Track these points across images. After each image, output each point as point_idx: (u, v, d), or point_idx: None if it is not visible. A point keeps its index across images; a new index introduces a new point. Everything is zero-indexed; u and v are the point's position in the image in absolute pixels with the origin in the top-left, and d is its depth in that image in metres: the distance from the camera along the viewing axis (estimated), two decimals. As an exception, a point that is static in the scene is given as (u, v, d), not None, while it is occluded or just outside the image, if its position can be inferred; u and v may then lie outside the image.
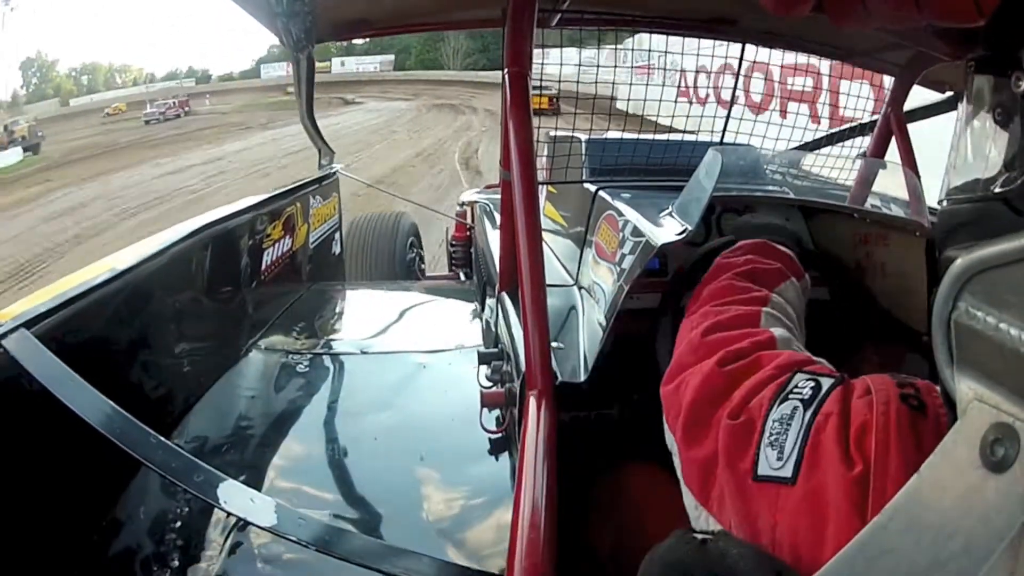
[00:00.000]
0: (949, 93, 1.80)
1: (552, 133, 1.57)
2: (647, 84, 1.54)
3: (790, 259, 0.81)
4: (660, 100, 1.53)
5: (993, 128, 0.36)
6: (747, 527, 0.46)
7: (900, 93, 1.73)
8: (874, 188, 1.28)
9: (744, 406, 0.52)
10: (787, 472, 0.45)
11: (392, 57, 39.18)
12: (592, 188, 1.38)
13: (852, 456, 0.42)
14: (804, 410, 0.48)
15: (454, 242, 3.46)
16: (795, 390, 0.50)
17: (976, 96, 0.38)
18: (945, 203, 0.42)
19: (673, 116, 1.61)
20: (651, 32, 1.62)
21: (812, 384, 0.50)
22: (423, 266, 3.55)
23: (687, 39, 1.70)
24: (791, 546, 0.43)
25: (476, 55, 35.26)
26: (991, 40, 0.37)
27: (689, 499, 0.55)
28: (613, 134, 1.62)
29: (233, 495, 0.89)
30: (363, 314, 2.33)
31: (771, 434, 0.48)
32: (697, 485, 0.54)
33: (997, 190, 0.35)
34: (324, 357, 1.78)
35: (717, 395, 0.55)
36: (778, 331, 0.62)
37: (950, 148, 0.42)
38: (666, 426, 0.62)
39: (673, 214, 1.08)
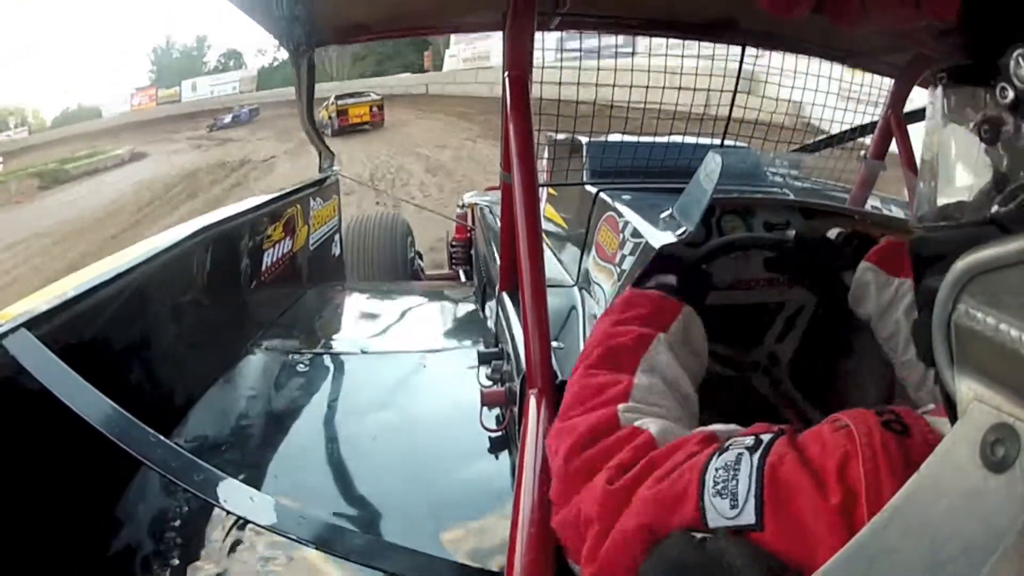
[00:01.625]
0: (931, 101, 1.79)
1: (553, 135, 1.58)
2: (648, 86, 1.54)
3: (657, 302, 0.75)
4: (660, 102, 1.54)
5: (979, 146, 0.34)
6: None
7: (900, 95, 1.73)
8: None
9: (664, 478, 0.47)
10: (749, 518, 0.41)
11: (254, 73, 30.63)
12: (593, 190, 1.39)
13: (828, 486, 0.40)
14: (751, 453, 0.44)
15: (454, 243, 3.47)
16: (734, 444, 0.46)
17: (954, 111, 0.36)
18: (921, 229, 0.39)
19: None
20: (650, 35, 1.63)
21: (752, 437, 0.47)
22: (421, 263, 3.56)
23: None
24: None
25: (367, 56, 28.52)
26: (968, 47, 0.35)
27: None
28: (614, 136, 1.62)
29: (233, 494, 0.89)
30: (363, 314, 2.33)
31: (716, 483, 0.44)
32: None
33: (988, 214, 0.33)
34: (324, 357, 1.78)
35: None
36: (652, 426, 0.55)
37: (921, 169, 0.40)
38: (571, 563, 0.56)
39: (673, 215, 1.08)
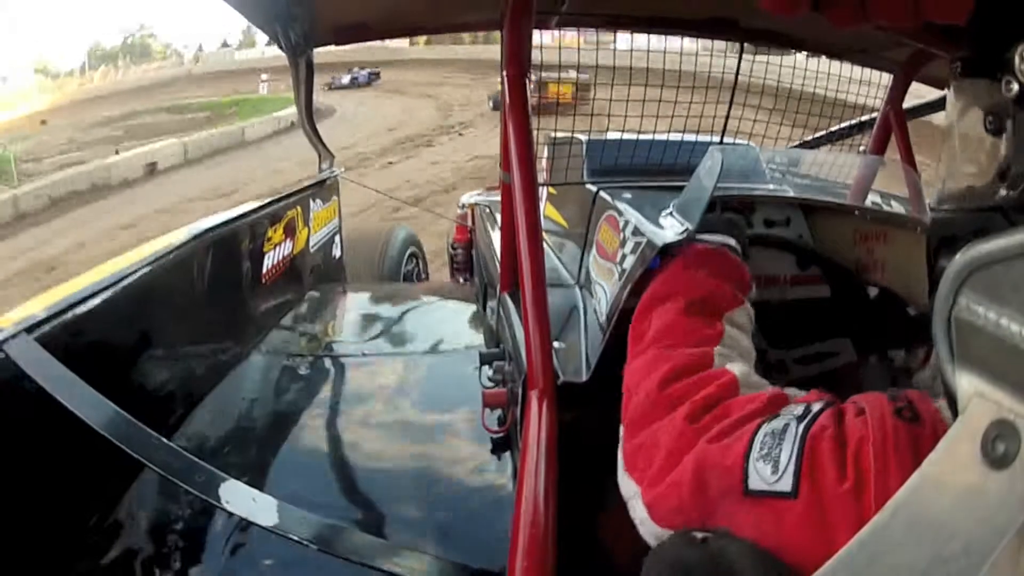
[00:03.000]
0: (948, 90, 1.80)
1: (552, 134, 1.57)
2: (646, 84, 1.54)
3: (741, 272, 0.78)
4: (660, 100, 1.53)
5: (984, 136, 0.35)
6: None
7: (899, 90, 1.73)
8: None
9: (725, 433, 0.50)
10: (786, 486, 0.43)
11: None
12: (593, 188, 1.38)
13: (847, 470, 0.42)
14: (797, 424, 0.46)
15: (455, 244, 3.45)
16: (785, 411, 0.49)
17: (964, 101, 0.37)
18: (940, 212, 0.41)
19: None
20: (650, 33, 1.62)
21: (803, 406, 0.49)
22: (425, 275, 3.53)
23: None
24: (798, 556, 0.42)
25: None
26: (976, 41, 0.35)
27: (660, 531, 0.52)
28: (613, 134, 1.62)
29: (235, 495, 0.89)
30: (364, 316, 2.33)
31: (762, 448, 0.46)
32: (670, 515, 0.51)
33: (993, 201, 0.34)
34: (325, 359, 1.78)
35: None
36: (738, 369, 0.59)
37: (940, 154, 0.42)
38: (625, 476, 0.59)
39: (674, 213, 1.08)
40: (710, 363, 0.61)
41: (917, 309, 1.00)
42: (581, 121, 1.58)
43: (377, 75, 20.32)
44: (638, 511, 0.55)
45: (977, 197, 0.36)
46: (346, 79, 19.75)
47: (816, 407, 0.48)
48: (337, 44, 1.74)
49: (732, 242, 0.85)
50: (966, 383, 0.31)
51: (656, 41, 1.58)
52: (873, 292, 1.04)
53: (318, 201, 2.38)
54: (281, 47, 1.74)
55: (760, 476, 0.45)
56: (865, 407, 0.45)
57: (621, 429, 0.63)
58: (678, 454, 0.52)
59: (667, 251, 1.00)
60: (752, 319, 0.74)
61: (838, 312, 1.11)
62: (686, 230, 0.96)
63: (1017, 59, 0.31)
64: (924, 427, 0.41)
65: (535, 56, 1.22)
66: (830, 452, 0.43)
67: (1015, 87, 0.32)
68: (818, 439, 0.44)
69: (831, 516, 0.41)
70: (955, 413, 0.32)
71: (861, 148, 1.95)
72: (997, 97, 0.34)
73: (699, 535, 0.44)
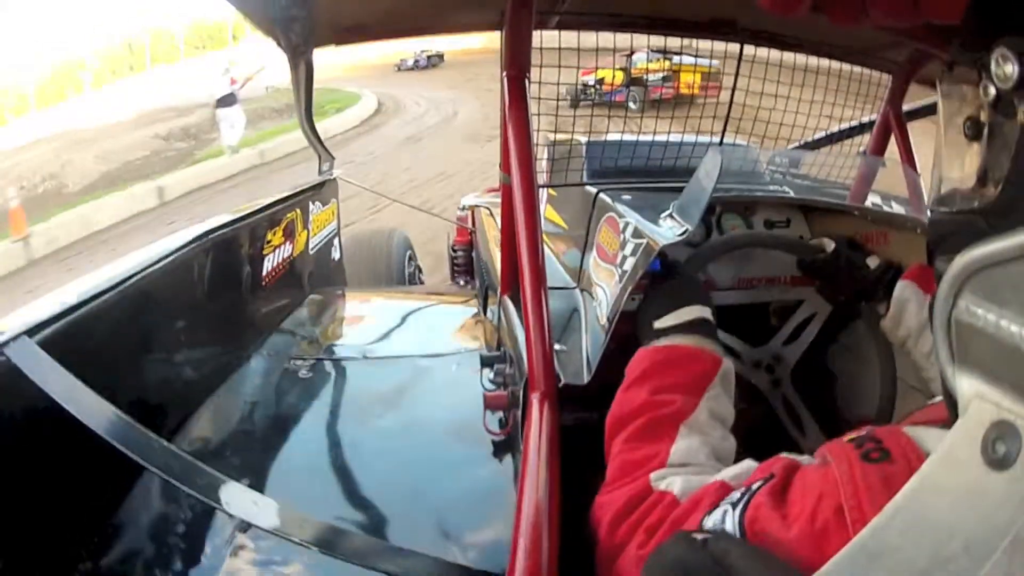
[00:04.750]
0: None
1: (551, 136, 1.57)
2: (646, 83, 1.54)
3: (698, 359, 0.77)
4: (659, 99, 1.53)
5: (963, 140, 0.35)
6: None
7: (899, 91, 1.73)
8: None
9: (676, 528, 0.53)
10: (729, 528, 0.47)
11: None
12: (592, 190, 1.38)
13: (793, 522, 0.43)
14: (734, 509, 0.49)
15: (455, 247, 3.45)
16: (723, 501, 0.52)
17: (949, 105, 0.37)
18: (932, 213, 0.41)
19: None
20: (650, 34, 1.63)
21: (742, 491, 0.51)
22: (422, 277, 3.54)
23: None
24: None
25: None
26: (961, 46, 0.35)
27: None
28: (613, 136, 1.62)
29: (236, 497, 0.89)
30: (364, 319, 2.33)
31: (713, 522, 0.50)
32: None
33: (974, 205, 0.35)
34: (326, 362, 1.78)
35: None
36: (676, 487, 0.61)
37: (934, 155, 0.42)
38: None
39: (673, 215, 1.08)
40: (647, 491, 0.63)
41: (877, 260, 1.00)
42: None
43: (440, 57, 21.90)
44: None
45: (961, 200, 0.37)
46: (410, 63, 21.88)
47: (756, 486, 0.50)
48: (337, 45, 1.74)
49: (706, 314, 0.84)
50: (966, 385, 0.31)
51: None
52: (830, 247, 1.04)
53: (317, 203, 2.38)
54: (281, 48, 1.75)
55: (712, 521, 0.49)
56: (830, 458, 0.46)
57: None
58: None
59: (670, 262, 1.00)
60: (722, 395, 0.76)
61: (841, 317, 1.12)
62: (685, 231, 0.97)
63: (993, 63, 0.31)
64: (896, 464, 0.42)
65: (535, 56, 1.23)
66: (769, 519, 0.45)
67: (992, 91, 0.32)
68: (755, 517, 0.47)
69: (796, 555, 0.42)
70: (955, 415, 0.32)
71: (861, 149, 1.95)
72: (975, 102, 0.34)
73: (699, 537, 0.44)
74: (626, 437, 0.72)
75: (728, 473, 0.58)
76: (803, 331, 1.11)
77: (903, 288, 0.93)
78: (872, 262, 1.01)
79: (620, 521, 0.62)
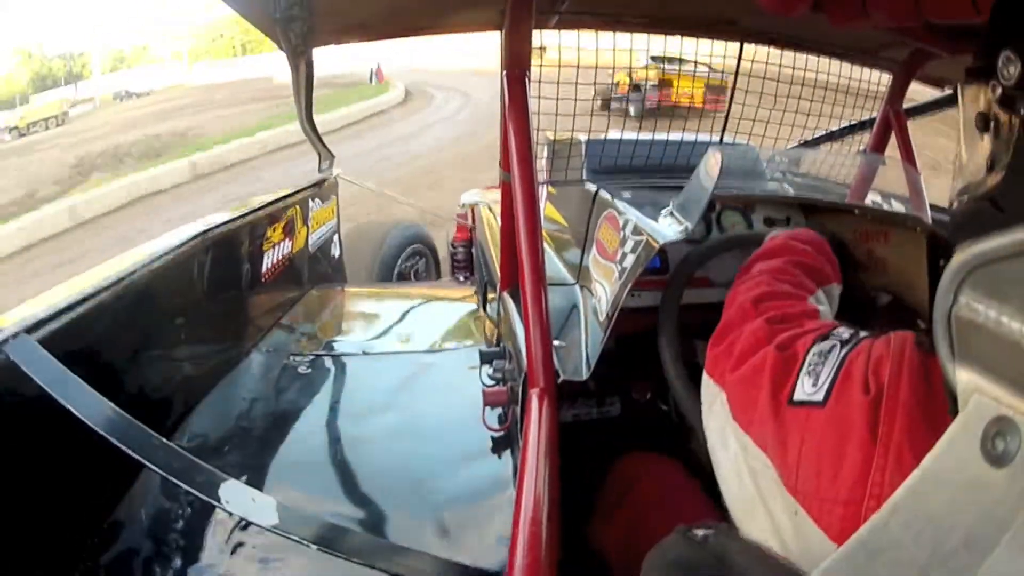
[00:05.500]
0: (949, 90, 1.80)
1: (550, 135, 1.57)
2: (646, 83, 1.54)
3: (836, 264, 0.86)
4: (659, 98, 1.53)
5: (976, 133, 0.38)
6: (778, 447, 0.51)
7: (899, 90, 1.73)
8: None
9: (792, 343, 0.57)
10: (819, 397, 0.50)
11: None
12: (592, 187, 1.38)
13: (869, 383, 0.47)
14: (841, 348, 0.53)
15: (455, 243, 3.45)
16: (835, 333, 0.56)
17: (965, 103, 0.40)
18: (954, 204, 0.43)
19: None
20: (649, 33, 1.62)
21: (851, 331, 0.55)
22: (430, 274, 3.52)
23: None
24: (814, 461, 0.47)
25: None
26: (977, 50, 0.38)
27: (735, 428, 0.59)
28: (613, 134, 1.62)
29: (235, 495, 0.89)
30: (364, 315, 2.33)
31: (810, 364, 0.53)
32: (740, 409, 0.58)
33: (984, 191, 0.36)
34: (325, 358, 1.78)
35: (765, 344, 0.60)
36: (823, 309, 0.69)
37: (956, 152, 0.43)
38: (708, 380, 0.66)
39: (673, 212, 1.08)
40: (804, 301, 0.71)
41: (926, 323, 1.00)
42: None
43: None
44: (716, 409, 0.62)
45: (973, 189, 0.39)
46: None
47: (862, 334, 0.54)
48: (337, 44, 1.74)
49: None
50: (966, 380, 0.31)
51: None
52: (884, 299, 1.05)
53: (317, 200, 2.38)
54: (281, 48, 1.74)
55: (803, 389, 0.52)
56: (893, 337, 0.50)
57: (708, 342, 0.69)
58: (755, 348, 0.60)
59: (666, 250, 1.00)
60: (836, 302, 0.82)
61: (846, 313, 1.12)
62: (685, 229, 0.97)
63: (1000, 64, 0.34)
64: (937, 360, 0.44)
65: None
66: (860, 371, 0.49)
67: (999, 90, 0.35)
68: (854, 360, 0.50)
69: (850, 421, 0.46)
70: (955, 410, 0.32)
71: (861, 148, 1.95)
72: (984, 100, 0.37)
73: (700, 533, 0.44)
74: (792, 260, 0.80)
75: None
76: None
77: None
78: (883, 298, 1.03)
79: (769, 299, 0.68)
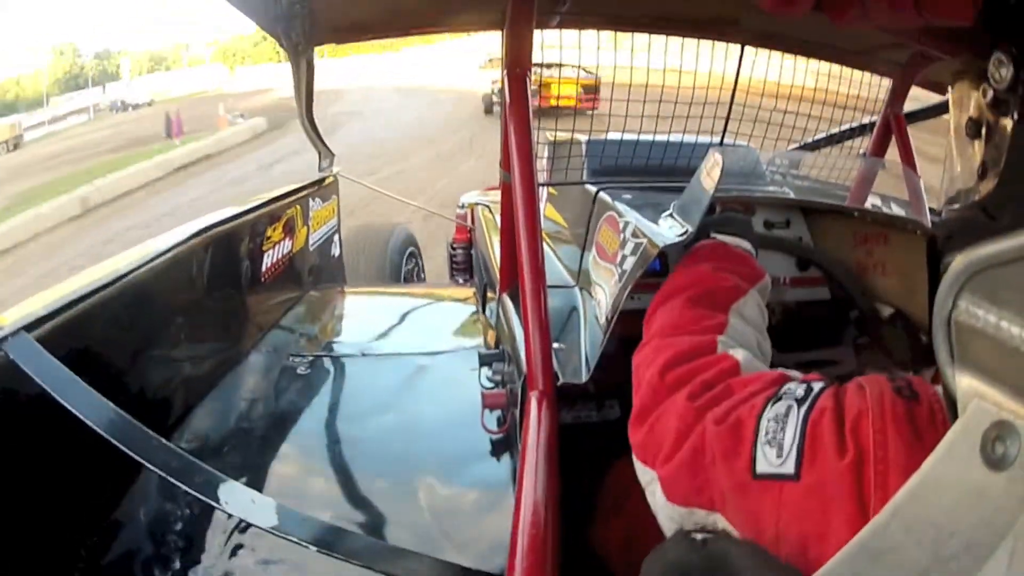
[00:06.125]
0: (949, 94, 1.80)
1: (551, 135, 1.57)
2: (647, 83, 1.54)
3: (748, 262, 0.81)
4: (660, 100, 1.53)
5: (967, 140, 0.37)
6: (750, 523, 0.47)
7: (899, 93, 1.73)
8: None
9: (729, 413, 0.52)
10: (789, 468, 0.45)
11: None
12: (592, 189, 1.38)
13: (846, 444, 0.43)
14: (799, 407, 0.48)
15: (454, 244, 3.44)
16: (787, 393, 0.51)
17: (956, 109, 0.39)
18: (944, 212, 0.43)
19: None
20: (650, 32, 1.62)
21: (804, 387, 0.51)
22: (423, 276, 3.54)
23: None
24: (797, 539, 0.43)
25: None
26: (969, 53, 0.38)
27: (674, 510, 0.54)
28: (613, 135, 1.62)
29: (234, 496, 0.89)
30: (364, 316, 2.33)
31: (767, 433, 0.48)
32: (684, 492, 0.53)
33: (976, 198, 0.36)
34: (325, 359, 1.78)
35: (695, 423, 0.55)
36: (740, 355, 0.61)
37: (945, 158, 0.43)
38: (640, 465, 0.61)
39: (674, 215, 1.08)
40: (712, 349, 0.63)
41: (926, 334, 1.01)
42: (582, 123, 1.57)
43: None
44: (656, 495, 0.56)
45: (964, 197, 0.38)
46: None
47: (817, 387, 0.50)
48: (338, 43, 1.74)
49: (746, 244, 0.88)
50: (966, 385, 0.31)
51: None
52: (887, 312, 1.04)
53: (317, 200, 2.38)
54: (282, 46, 1.74)
55: (767, 460, 0.47)
56: (865, 384, 0.46)
57: (629, 422, 0.64)
58: (686, 431, 0.54)
59: (666, 253, 1.00)
60: (764, 311, 0.77)
61: (842, 322, 1.11)
62: (686, 231, 0.97)
63: (991, 68, 0.34)
64: (921, 405, 0.42)
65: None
66: (830, 432, 0.44)
67: (990, 93, 0.35)
68: (818, 421, 0.46)
69: (831, 491, 0.42)
70: (955, 415, 0.32)
71: (861, 151, 1.95)
72: (975, 105, 0.36)
73: (699, 536, 0.44)
74: (686, 297, 0.73)
75: (790, 371, 0.57)
76: (820, 368, 1.11)
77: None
78: (885, 311, 1.03)
79: (676, 365, 0.61)
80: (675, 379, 0.60)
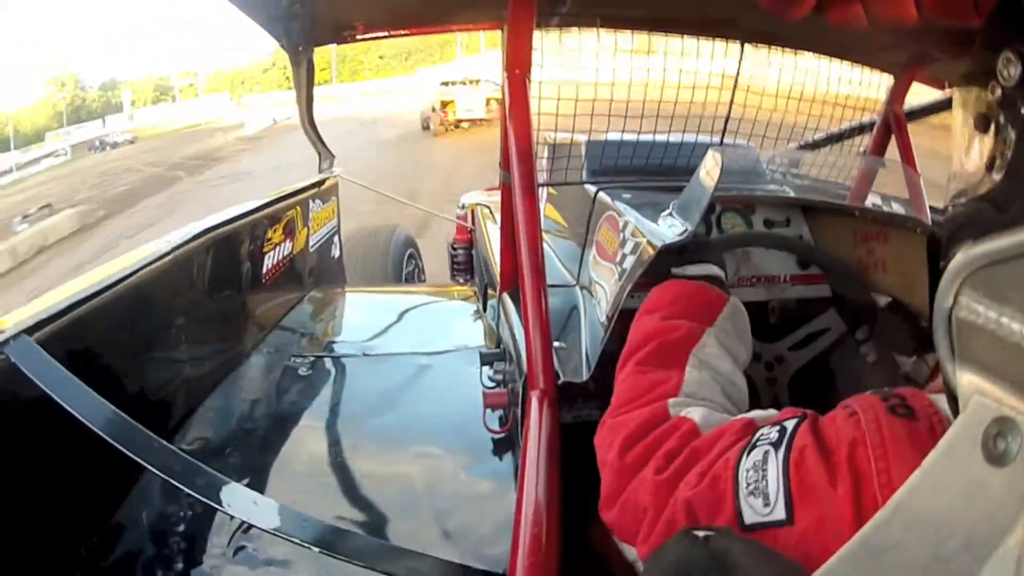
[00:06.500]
0: (949, 91, 1.80)
1: (551, 136, 1.57)
2: (647, 83, 1.54)
3: (704, 295, 0.77)
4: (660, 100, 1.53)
5: (975, 134, 0.37)
6: None
7: (899, 92, 1.73)
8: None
9: (703, 475, 0.51)
10: (780, 515, 0.45)
11: None
12: (592, 189, 1.38)
13: (837, 475, 0.43)
14: (776, 451, 0.48)
15: (455, 245, 3.45)
16: (761, 439, 0.50)
17: (962, 108, 0.39)
18: (949, 208, 0.43)
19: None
20: (651, 32, 1.62)
21: (777, 428, 0.50)
22: (423, 277, 3.56)
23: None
24: None
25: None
26: (974, 53, 0.38)
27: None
28: (613, 135, 1.62)
29: (236, 498, 0.89)
30: (364, 317, 2.33)
31: (748, 484, 0.47)
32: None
33: (983, 191, 0.36)
34: (326, 360, 1.78)
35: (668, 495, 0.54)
36: (696, 414, 0.59)
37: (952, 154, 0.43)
38: (620, 543, 0.60)
39: (673, 214, 1.08)
40: (665, 416, 0.61)
41: (927, 321, 1.00)
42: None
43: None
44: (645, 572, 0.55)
45: (971, 190, 0.39)
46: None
47: (790, 426, 0.49)
48: (339, 43, 1.75)
49: (709, 269, 0.85)
50: (967, 381, 0.31)
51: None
52: (884, 301, 1.04)
53: (317, 201, 2.38)
54: (283, 46, 1.74)
55: (753, 510, 0.46)
56: (857, 409, 0.45)
57: (599, 504, 0.63)
58: (660, 506, 0.53)
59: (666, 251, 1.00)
60: (729, 336, 0.74)
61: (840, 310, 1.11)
62: (685, 230, 0.97)
63: (1000, 65, 0.34)
64: (919, 422, 0.42)
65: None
66: (816, 468, 0.44)
67: (999, 91, 0.35)
68: (800, 461, 0.45)
69: (830, 526, 0.42)
70: (956, 411, 0.32)
71: (861, 150, 1.95)
72: (983, 101, 0.36)
73: (701, 534, 0.44)
74: (636, 362, 0.71)
75: (754, 413, 0.57)
76: (813, 341, 1.11)
77: None
78: (881, 300, 1.02)
79: (634, 443, 0.59)
80: (635, 458, 0.59)
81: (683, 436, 0.57)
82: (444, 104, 14.60)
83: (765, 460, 0.47)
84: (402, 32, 1.79)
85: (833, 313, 1.10)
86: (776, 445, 0.48)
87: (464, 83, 15.62)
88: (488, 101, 14.52)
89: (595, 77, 1.50)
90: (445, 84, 15.65)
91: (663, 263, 0.89)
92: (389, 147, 12.86)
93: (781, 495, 0.45)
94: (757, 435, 0.51)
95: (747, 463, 0.48)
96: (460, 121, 14.63)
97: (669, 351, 0.70)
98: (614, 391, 0.71)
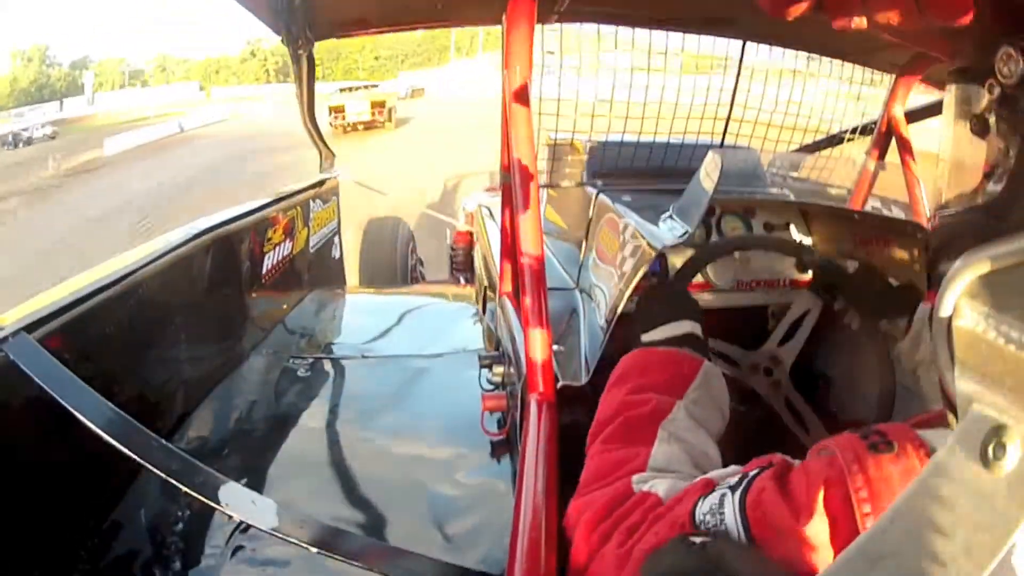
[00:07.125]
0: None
1: (552, 136, 1.57)
2: (647, 84, 1.54)
3: (675, 363, 0.76)
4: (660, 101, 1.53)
5: (971, 138, 0.36)
6: None
7: (900, 93, 1.73)
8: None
9: (668, 528, 0.51)
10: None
11: None
12: (592, 191, 1.38)
13: (804, 515, 0.43)
14: (733, 493, 0.48)
15: (455, 246, 3.46)
16: (720, 485, 0.50)
17: (956, 107, 0.38)
18: (936, 220, 0.41)
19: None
20: (650, 29, 1.62)
21: (739, 476, 0.49)
22: (423, 270, 3.58)
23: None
24: None
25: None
26: (970, 50, 0.37)
27: None
28: (613, 137, 1.62)
29: (235, 497, 0.89)
30: (364, 318, 2.33)
31: (705, 525, 0.47)
32: None
33: (980, 201, 0.35)
34: (325, 361, 1.78)
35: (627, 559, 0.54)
36: (661, 488, 0.59)
37: (937, 164, 0.42)
38: None
39: (673, 216, 1.08)
40: (629, 494, 0.61)
41: (898, 280, 1.00)
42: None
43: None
44: None
45: (967, 200, 0.37)
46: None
47: (753, 473, 0.48)
48: (339, 38, 1.75)
49: (696, 329, 0.83)
50: (965, 389, 0.31)
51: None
52: (852, 266, 1.04)
53: (318, 201, 2.38)
54: (284, 42, 1.74)
55: None
56: (835, 448, 0.45)
57: None
58: (619, 567, 0.53)
59: (665, 255, 0.99)
60: (706, 397, 0.73)
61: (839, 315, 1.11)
62: (685, 233, 0.97)
63: (998, 63, 0.33)
64: (901, 456, 0.42)
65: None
66: (775, 510, 0.44)
67: (997, 90, 0.34)
68: (758, 503, 0.45)
69: (798, 565, 0.41)
70: (955, 419, 0.32)
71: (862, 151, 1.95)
72: (982, 102, 0.35)
73: (697, 540, 0.44)
74: (603, 439, 0.70)
75: (714, 473, 0.56)
76: (797, 329, 1.10)
77: (925, 311, 0.90)
78: (850, 266, 1.02)
79: (599, 523, 0.59)
80: (601, 536, 0.58)
81: (647, 510, 0.56)
82: (333, 109, 15.40)
83: (721, 503, 0.48)
84: (400, 28, 1.78)
85: (807, 293, 1.10)
86: (734, 488, 0.48)
87: (355, 90, 16.66)
88: (372, 105, 15.56)
89: (594, 78, 1.50)
90: (343, 91, 16.49)
91: (631, 331, 0.87)
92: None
93: (741, 530, 0.45)
94: (717, 485, 0.51)
95: (703, 507, 0.48)
96: (356, 124, 15.43)
97: (637, 427, 0.69)
98: (584, 466, 0.70)
